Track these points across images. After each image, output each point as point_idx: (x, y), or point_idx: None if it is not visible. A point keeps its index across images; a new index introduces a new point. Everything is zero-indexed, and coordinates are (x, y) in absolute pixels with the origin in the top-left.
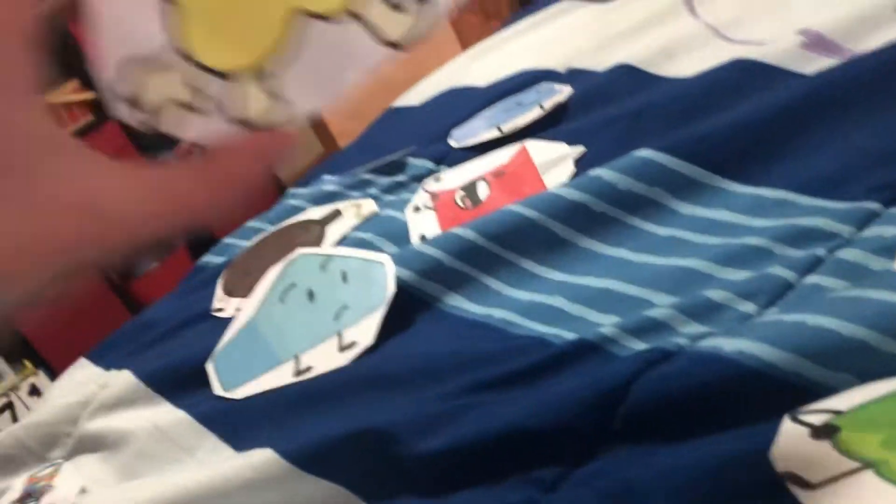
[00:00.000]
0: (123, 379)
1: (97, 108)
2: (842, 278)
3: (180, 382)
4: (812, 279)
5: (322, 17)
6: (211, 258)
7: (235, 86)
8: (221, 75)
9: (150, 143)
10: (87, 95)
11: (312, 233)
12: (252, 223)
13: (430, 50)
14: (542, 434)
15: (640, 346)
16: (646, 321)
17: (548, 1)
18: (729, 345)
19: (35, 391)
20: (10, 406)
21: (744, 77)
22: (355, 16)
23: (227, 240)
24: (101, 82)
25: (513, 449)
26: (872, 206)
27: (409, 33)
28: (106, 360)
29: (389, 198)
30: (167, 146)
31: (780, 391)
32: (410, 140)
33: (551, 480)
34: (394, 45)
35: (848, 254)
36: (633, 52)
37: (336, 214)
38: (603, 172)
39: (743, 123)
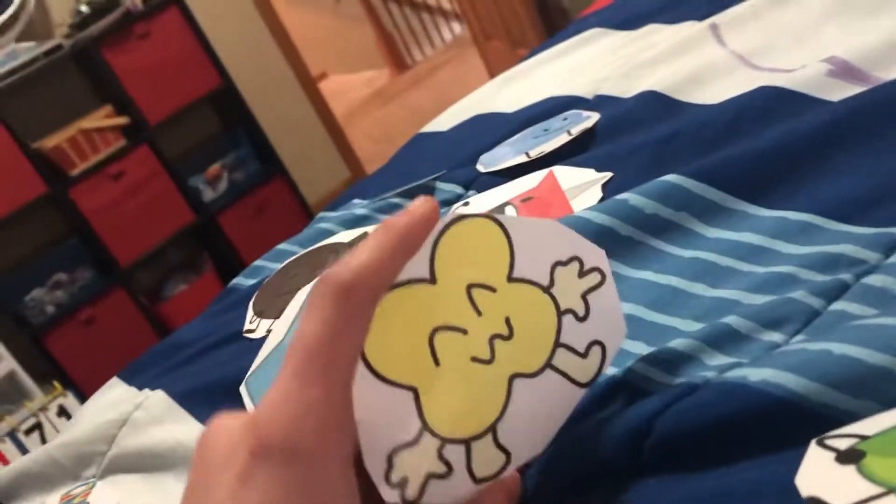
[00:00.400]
0: (158, 399)
1: (130, 132)
2: (868, 305)
3: (214, 403)
4: (839, 306)
5: (530, 374)
6: (242, 280)
7: (476, 448)
8: (465, 442)
9: (181, 168)
10: (121, 120)
11: (342, 255)
12: (282, 246)
13: (457, 78)
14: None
15: (668, 378)
16: (673, 354)
17: (575, 30)
18: (754, 374)
19: (63, 412)
20: (38, 426)
21: (770, 104)
22: (553, 367)
23: (258, 262)
24: (376, 475)
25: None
26: None
27: (594, 375)
28: (139, 379)
29: None
30: (197, 171)
31: (806, 419)
32: (438, 165)
33: None
34: (582, 385)
35: (875, 280)
36: (660, 79)
37: (365, 237)
38: (629, 196)
39: (769, 149)
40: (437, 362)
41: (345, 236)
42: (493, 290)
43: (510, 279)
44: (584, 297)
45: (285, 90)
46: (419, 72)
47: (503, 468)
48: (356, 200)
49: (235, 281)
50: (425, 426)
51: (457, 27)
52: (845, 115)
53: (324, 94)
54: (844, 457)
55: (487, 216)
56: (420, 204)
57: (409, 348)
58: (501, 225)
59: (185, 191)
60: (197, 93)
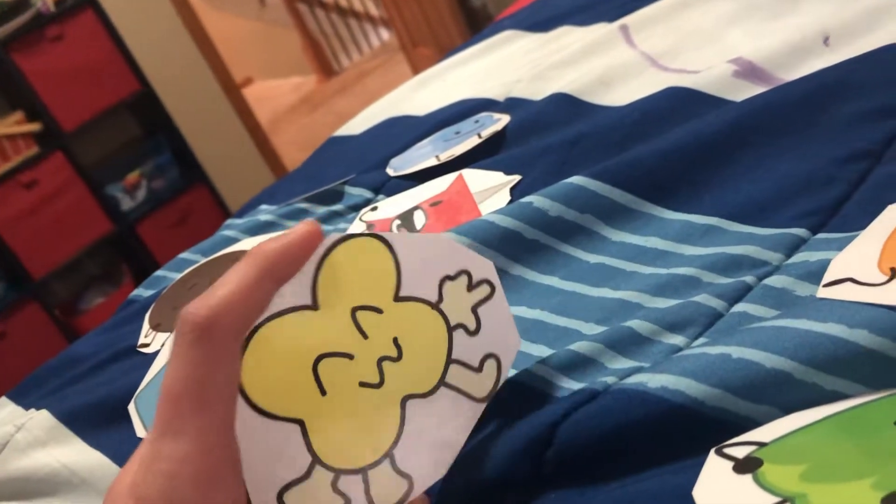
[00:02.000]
0: (41, 419)
1: (43, 139)
2: (769, 306)
3: (101, 423)
4: (741, 307)
5: (423, 395)
6: (141, 291)
7: (373, 476)
8: (362, 472)
9: (98, 176)
10: (33, 127)
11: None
12: (184, 255)
13: (385, 84)
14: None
15: (568, 382)
16: (574, 357)
17: (490, 32)
18: (654, 381)
19: None
20: None
21: (676, 105)
22: (448, 385)
23: (159, 272)
24: None
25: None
26: (800, 232)
27: (490, 390)
28: (28, 398)
29: (325, 227)
30: (114, 179)
31: (706, 426)
32: (350, 169)
33: None
34: (479, 400)
35: (776, 281)
36: (570, 81)
37: None
38: (534, 199)
39: (672, 149)
40: (323, 391)
41: (248, 244)
42: (379, 311)
43: (397, 298)
44: (474, 310)
45: (207, 96)
46: (347, 78)
47: (407, 494)
48: (263, 206)
49: (135, 292)
50: (316, 459)
51: (384, 33)
52: (747, 116)
53: (249, 100)
54: (742, 466)
55: (372, 235)
56: (300, 227)
57: (292, 379)
58: (387, 243)
59: (102, 199)
60: (114, 98)
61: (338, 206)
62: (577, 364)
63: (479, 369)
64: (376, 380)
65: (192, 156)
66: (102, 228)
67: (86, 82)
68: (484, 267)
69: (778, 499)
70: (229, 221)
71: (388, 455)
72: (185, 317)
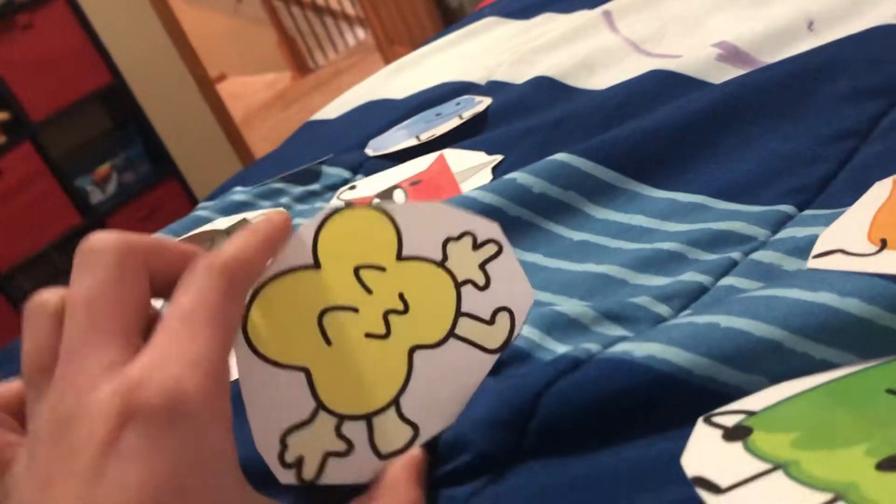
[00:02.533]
0: None
1: (11, 128)
2: (756, 279)
3: None
4: (727, 281)
5: (432, 345)
6: None
7: (378, 423)
8: (367, 418)
9: (67, 167)
10: (0, 116)
11: (217, 244)
12: (157, 235)
13: (360, 81)
14: (459, 457)
15: (553, 345)
16: (560, 318)
17: (470, 20)
18: (640, 349)
19: None
20: None
21: (660, 87)
22: (457, 337)
23: None
24: (269, 457)
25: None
26: (787, 209)
27: (504, 341)
28: None
29: (301, 207)
30: (84, 171)
31: (694, 395)
32: (326, 151)
33: (463, 499)
34: (492, 351)
35: (763, 256)
36: (552, 65)
37: (243, 224)
38: (517, 175)
39: (658, 128)
40: (328, 342)
41: (222, 223)
42: (382, 269)
43: (400, 258)
44: (482, 267)
45: (181, 90)
46: (322, 76)
47: (411, 441)
48: (238, 188)
49: None
50: (320, 405)
51: (360, 32)
52: (732, 96)
53: (223, 95)
54: (731, 434)
55: (370, 206)
56: (274, 212)
57: (297, 332)
58: (386, 213)
59: (70, 192)
60: (85, 89)
61: (314, 186)
62: (560, 325)
63: (491, 322)
64: (382, 331)
65: (163, 149)
66: (71, 221)
67: (56, 72)
68: (489, 227)
69: (769, 465)
70: (202, 203)
71: (395, 402)
72: (203, 262)
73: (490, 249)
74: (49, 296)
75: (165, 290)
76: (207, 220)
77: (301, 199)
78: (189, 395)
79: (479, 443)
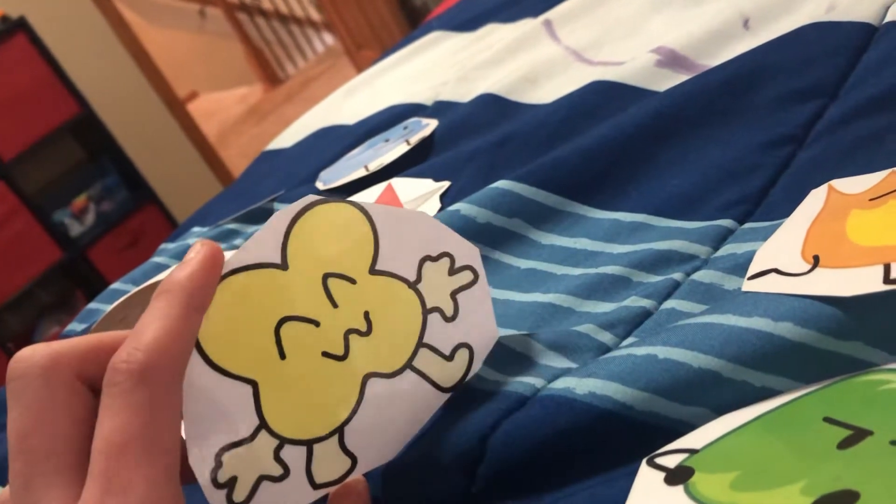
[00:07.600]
0: None
1: None
2: (697, 301)
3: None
4: (669, 304)
5: (388, 375)
6: (74, 326)
7: (318, 451)
8: (307, 444)
9: (43, 203)
10: None
11: (128, 319)
12: (115, 285)
13: (332, 89)
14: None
15: (502, 378)
16: (506, 350)
17: (419, 34)
18: (581, 386)
19: None
20: None
21: (601, 99)
22: (413, 369)
23: (92, 305)
24: (202, 475)
25: None
26: (726, 223)
27: (458, 380)
28: None
29: None
30: (61, 204)
31: (637, 431)
32: (281, 184)
33: None
34: (445, 390)
35: (704, 275)
36: (496, 81)
37: (153, 290)
38: (461, 206)
39: (597, 146)
40: (282, 355)
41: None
42: (352, 281)
43: (372, 271)
44: (453, 296)
45: (151, 113)
46: (293, 85)
47: (347, 473)
48: (195, 229)
49: (69, 327)
50: (263, 424)
51: (328, 38)
52: (668, 107)
53: (195, 114)
54: (673, 477)
55: (351, 203)
56: (200, 249)
57: (251, 338)
58: (366, 213)
59: (49, 227)
60: (53, 123)
61: None
62: (508, 358)
63: (450, 358)
64: (341, 352)
65: (139, 176)
66: (52, 256)
67: (23, 108)
68: (469, 252)
69: None
70: (162, 247)
71: (338, 431)
72: (118, 366)
73: (465, 277)
74: None
75: None
76: (165, 267)
77: None
78: None
79: (426, 488)
